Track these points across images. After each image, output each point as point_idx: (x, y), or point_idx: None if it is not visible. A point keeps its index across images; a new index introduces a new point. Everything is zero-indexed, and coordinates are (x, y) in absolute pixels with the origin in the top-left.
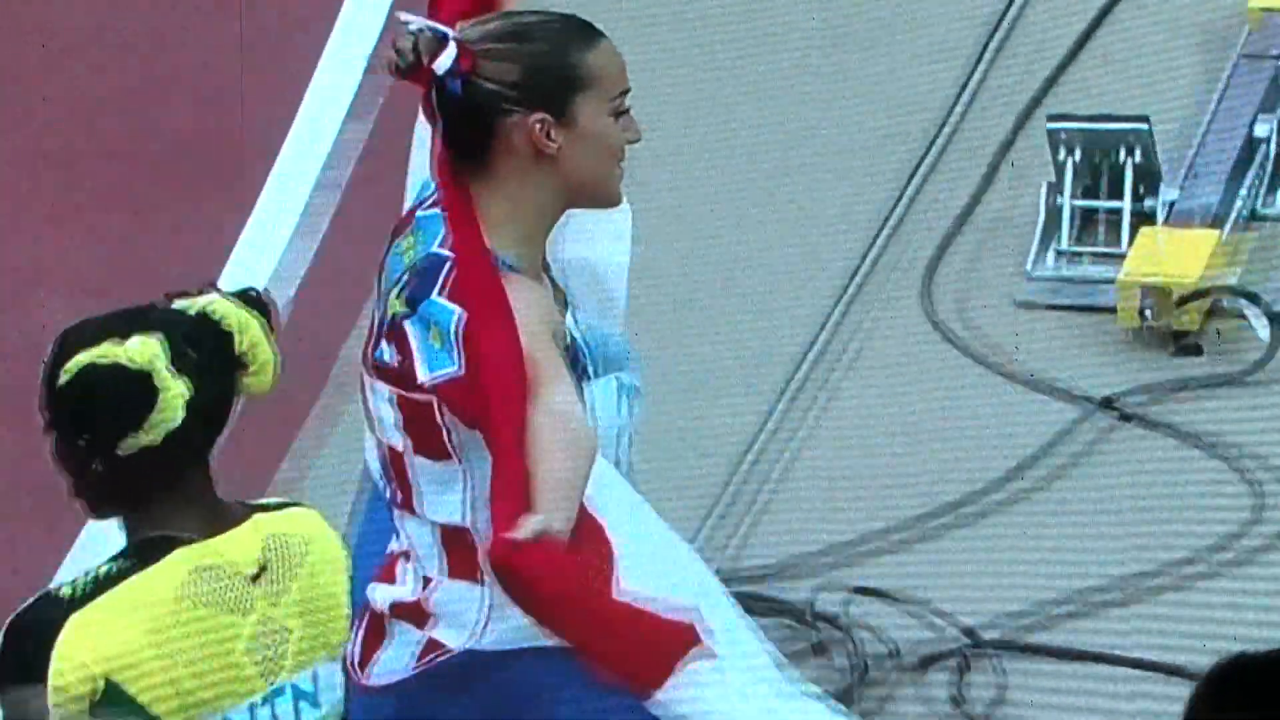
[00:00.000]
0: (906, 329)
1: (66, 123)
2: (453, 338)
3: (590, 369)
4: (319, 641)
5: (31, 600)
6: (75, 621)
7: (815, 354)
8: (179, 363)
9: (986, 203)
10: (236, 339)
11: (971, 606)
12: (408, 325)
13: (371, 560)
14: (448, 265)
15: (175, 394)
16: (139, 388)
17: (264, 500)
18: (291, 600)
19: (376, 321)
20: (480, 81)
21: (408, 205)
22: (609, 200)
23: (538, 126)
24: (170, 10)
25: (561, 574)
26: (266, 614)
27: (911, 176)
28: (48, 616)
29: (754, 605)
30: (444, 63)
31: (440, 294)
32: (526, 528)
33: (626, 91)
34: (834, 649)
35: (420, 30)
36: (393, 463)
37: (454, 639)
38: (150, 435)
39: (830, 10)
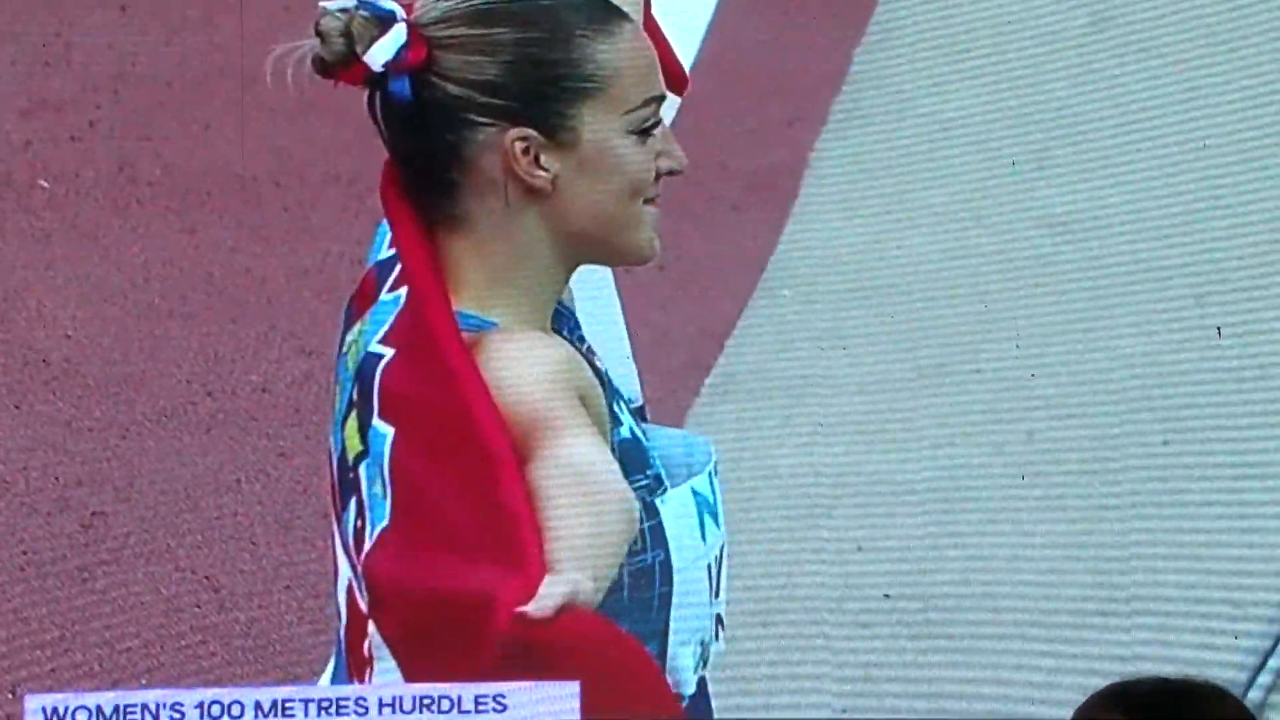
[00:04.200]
0: None
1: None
2: (387, 474)
3: (663, 475)
4: None
5: None
6: None
7: None
8: None
9: None
10: None
11: None
12: (361, 471)
13: None
14: (381, 368)
15: None
16: None
17: None
18: None
19: (335, 464)
20: (438, 82)
21: (372, 257)
22: (632, 254)
23: (519, 147)
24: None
25: (607, 649)
26: None
27: None
28: None
29: None
30: (381, 53)
31: (380, 415)
32: (549, 593)
33: (657, 100)
34: None
35: (354, 9)
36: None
37: None
38: None
39: None
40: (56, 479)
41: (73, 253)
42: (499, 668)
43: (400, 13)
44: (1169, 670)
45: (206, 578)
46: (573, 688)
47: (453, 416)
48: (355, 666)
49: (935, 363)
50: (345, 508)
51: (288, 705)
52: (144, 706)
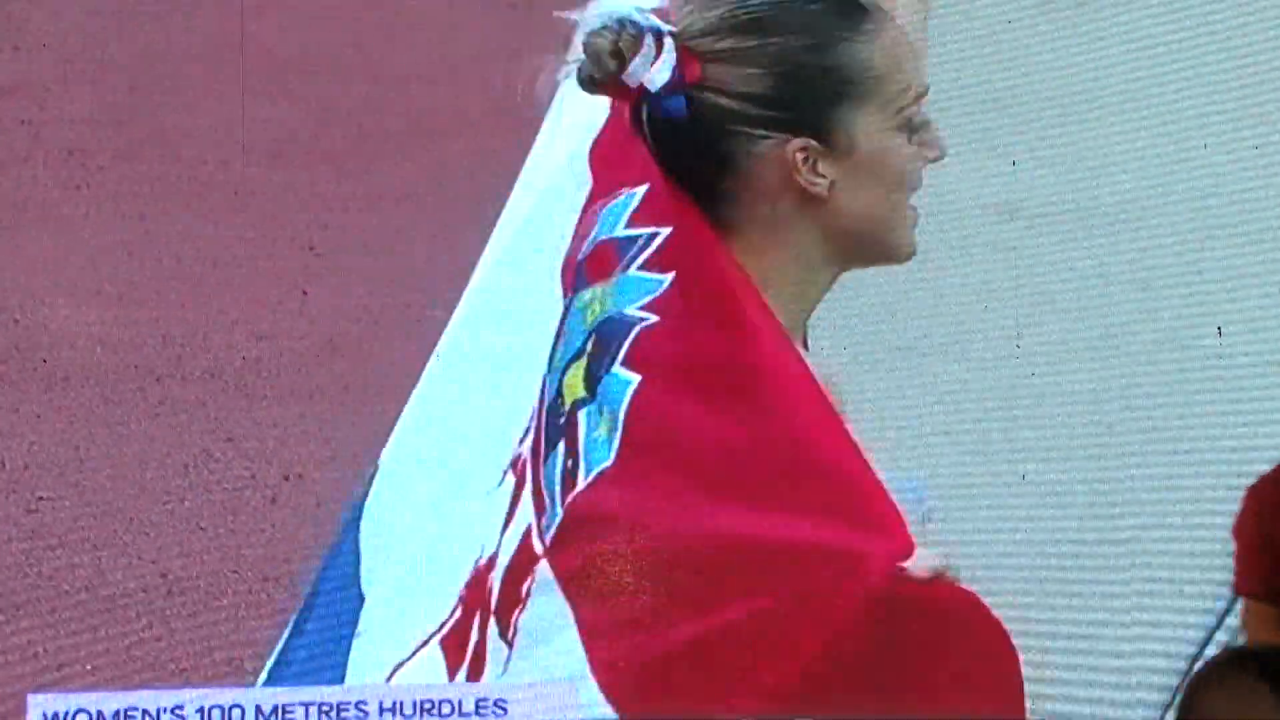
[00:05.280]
0: None
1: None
2: (620, 416)
3: None
4: None
5: None
6: None
7: None
8: None
9: None
10: None
11: None
12: (581, 416)
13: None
14: (639, 327)
15: None
16: None
17: None
18: None
19: (543, 409)
20: (712, 97)
21: (603, 231)
22: (898, 252)
23: (800, 158)
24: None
25: (976, 619)
26: None
27: None
28: None
29: None
30: (660, 75)
31: (623, 363)
32: (927, 557)
33: (921, 94)
34: None
35: (621, 24)
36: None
37: None
38: None
39: None
40: (1, 464)
41: (21, 237)
42: (859, 622)
43: (667, 28)
44: (1167, 649)
45: (153, 563)
46: (573, 687)
47: (766, 387)
48: (504, 608)
49: (914, 343)
50: (551, 451)
51: (288, 709)
52: (144, 710)
